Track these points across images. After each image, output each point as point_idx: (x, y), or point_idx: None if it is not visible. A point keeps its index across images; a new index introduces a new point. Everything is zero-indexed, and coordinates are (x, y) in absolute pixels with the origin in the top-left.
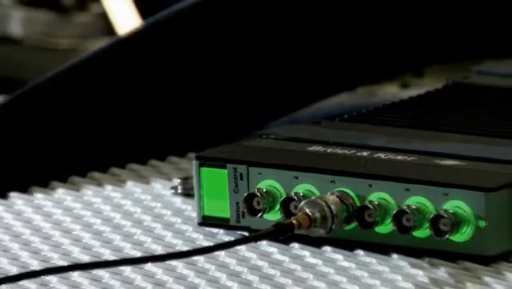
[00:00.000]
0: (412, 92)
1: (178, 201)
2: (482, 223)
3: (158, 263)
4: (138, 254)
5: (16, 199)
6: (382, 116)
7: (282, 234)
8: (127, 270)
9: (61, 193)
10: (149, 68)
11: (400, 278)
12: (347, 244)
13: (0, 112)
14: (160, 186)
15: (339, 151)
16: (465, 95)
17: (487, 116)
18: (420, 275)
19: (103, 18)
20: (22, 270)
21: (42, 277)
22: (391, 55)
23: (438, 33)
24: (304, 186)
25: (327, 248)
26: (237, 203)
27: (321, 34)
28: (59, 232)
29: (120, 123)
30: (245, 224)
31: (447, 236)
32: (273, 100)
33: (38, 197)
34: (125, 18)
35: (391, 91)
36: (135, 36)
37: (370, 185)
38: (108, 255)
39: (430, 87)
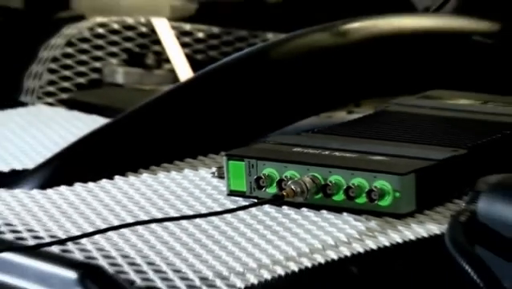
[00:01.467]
0: (355, 116)
1: (215, 181)
2: (397, 194)
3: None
4: (190, 211)
5: (118, 180)
6: (337, 129)
7: (277, 201)
8: (182, 222)
9: (145, 176)
10: (198, 100)
11: (347, 226)
12: (316, 207)
13: (114, 125)
14: (204, 172)
15: (311, 151)
16: (386, 118)
17: (401, 130)
18: (360, 225)
19: (173, 72)
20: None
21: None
22: (343, 95)
23: (371, 81)
24: (290, 172)
25: (304, 209)
26: (250, 182)
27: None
28: (144, 199)
29: (183, 134)
30: (255, 195)
31: (376, 202)
32: (270, 122)
33: (132, 178)
34: (184, 73)
35: (341, 115)
36: (189, 82)
37: (330, 172)
38: (173, 213)
39: (365, 113)
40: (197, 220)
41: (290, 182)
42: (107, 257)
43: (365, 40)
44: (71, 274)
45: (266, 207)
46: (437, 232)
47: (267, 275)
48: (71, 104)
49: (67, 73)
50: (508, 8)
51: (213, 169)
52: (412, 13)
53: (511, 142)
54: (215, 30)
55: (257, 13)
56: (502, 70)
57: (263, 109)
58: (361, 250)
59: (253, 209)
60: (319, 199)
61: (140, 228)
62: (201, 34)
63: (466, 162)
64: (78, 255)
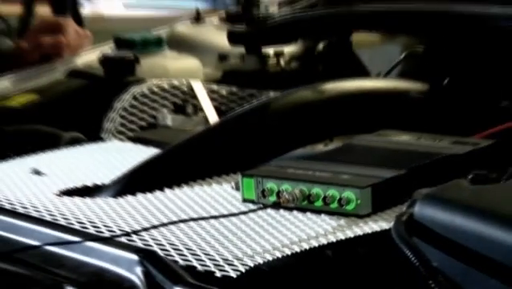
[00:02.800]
0: (330, 147)
1: (234, 192)
2: (359, 201)
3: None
4: (216, 213)
5: (167, 191)
6: (317, 156)
7: (276, 206)
8: (211, 220)
9: (185, 188)
10: (223, 136)
11: (324, 223)
12: (303, 210)
13: (165, 153)
14: (226, 186)
15: (299, 171)
16: (351, 148)
17: (361, 156)
18: (333, 223)
19: (205, 118)
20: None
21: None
22: (321, 133)
23: (340, 124)
24: (285, 186)
25: (295, 212)
26: (258, 193)
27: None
28: (184, 204)
29: (212, 160)
30: (261, 202)
31: (344, 207)
32: (272, 152)
33: (177, 190)
34: (213, 118)
35: (320, 147)
36: (216, 125)
37: (312, 186)
38: (204, 214)
39: (337, 145)
40: (221, 219)
41: (285, 193)
42: (159, 244)
43: (337, 96)
44: (134, 257)
45: (269, 210)
46: (386, 227)
47: (269, 257)
48: (136, 140)
49: (132, 118)
50: (436, 73)
51: (233, 184)
52: (368, 77)
53: (438, 165)
54: (233, 89)
55: (262, 78)
56: (430, 115)
57: (267, 143)
58: (334, 239)
59: (259, 212)
60: (305, 205)
61: (181, 224)
62: (224, 92)
63: (406, 179)
64: (139, 243)
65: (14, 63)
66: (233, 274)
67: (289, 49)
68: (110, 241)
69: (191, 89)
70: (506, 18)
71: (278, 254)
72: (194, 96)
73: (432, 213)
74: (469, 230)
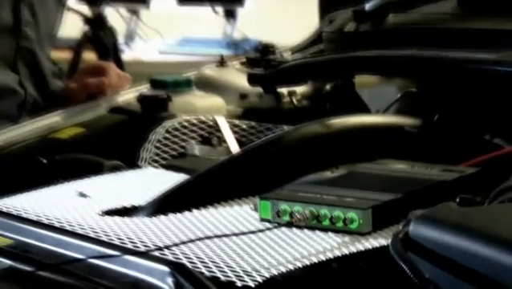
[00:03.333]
0: (336, 174)
1: (253, 212)
2: (361, 221)
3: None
4: (237, 231)
5: (195, 212)
6: (325, 182)
7: (289, 225)
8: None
9: (211, 209)
10: (243, 164)
11: (331, 240)
12: (312, 229)
13: (194, 179)
14: (246, 207)
15: (309, 194)
16: (354, 175)
17: (363, 182)
18: (338, 240)
19: (228, 149)
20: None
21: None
22: (328, 162)
23: (344, 154)
24: (297, 207)
25: (305, 230)
26: (273, 213)
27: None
28: (210, 223)
29: (234, 185)
30: (276, 221)
31: (348, 225)
32: (286, 178)
33: (203, 210)
34: (235, 149)
35: (328, 174)
36: (238, 155)
37: (320, 207)
38: (227, 231)
39: (342, 172)
40: (242, 235)
41: (296, 214)
42: (187, 258)
43: (341, 130)
44: (166, 269)
45: (283, 229)
46: (385, 244)
47: (283, 269)
48: (168, 167)
49: (165, 149)
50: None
51: (251, 205)
52: (369, 113)
53: (430, 190)
54: (252, 123)
55: (277, 114)
56: (423, 147)
57: (282, 170)
58: (339, 254)
59: (275, 230)
60: (314, 224)
61: (207, 240)
62: (244, 126)
63: (402, 202)
64: (170, 257)
65: (64, 100)
66: (251, 284)
67: (300, 89)
68: (145, 255)
69: (216, 124)
70: (489, 63)
71: (291, 267)
72: (218, 130)
73: (424, 231)
74: (457, 247)
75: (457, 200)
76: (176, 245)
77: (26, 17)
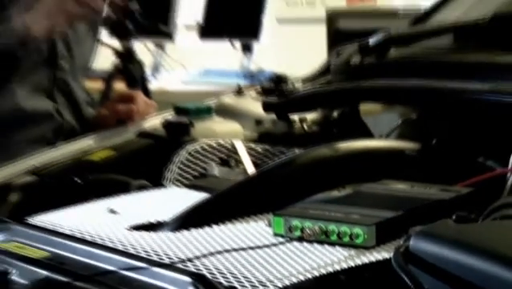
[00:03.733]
0: (343, 193)
1: (267, 228)
2: (366, 236)
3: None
4: (253, 245)
5: (215, 227)
6: (332, 200)
7: (300, 240)
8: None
9: (229, 225)
10: (258, 185)
11: (338, 254)
12: (321, 243)
13: (214, 197)
14: (261, 223)
15: (318, 212)
16: (359, 194)
17: (367, 200)
18: (345, 253)
19: (245, 170)
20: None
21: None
22: (336, 182)
23: (350, 175)
24: (307, 223)
25: (315, 244)
26: (286, 229)
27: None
28: (228, 237)
29: (250, 203)
30: (288, 236)
31: (354, 240)
32: (297, 196)
33: (221, 226)
34: (251, 170)
35: (335, 193)
36: (254, 176)
37: (328, 223)
38: (244, 245)
39: (348, 192)
40: (257, 249)
41: (307, 229)
42: (207, 269)
43: (348, 153)
44: (188, 280)
45: (295, 243)
46: (388, 257)
47: (294, 280)
48: (190, 187)
49: (187, 170)
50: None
51: (266, 221)
52: (372, 138)
53: (428, 208)
54: (267, 147)
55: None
56: (422, 169)
57: (293, 189)
58: (346, 266)
59: (287, 244)
60: (323, 238)
61: (225, 253)
62: (259, 149)
63: (403, 219)
64: (192, 269)
65: (96, 126)
66: None
67: (310, 116)
68: (169, 266)
69: (234, 147)
70: (482, 93)
71: (302, 278)
72: (236, 153)
73: (424, 246)
74: (454, 260)
75: (454, 217)
76: (197, 258)
77: (62, 51)
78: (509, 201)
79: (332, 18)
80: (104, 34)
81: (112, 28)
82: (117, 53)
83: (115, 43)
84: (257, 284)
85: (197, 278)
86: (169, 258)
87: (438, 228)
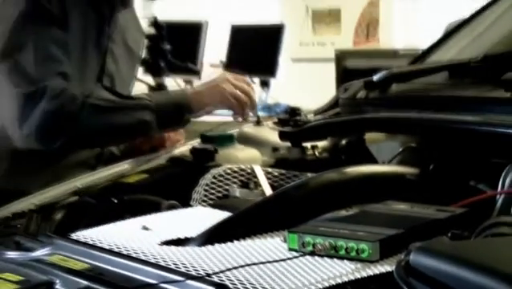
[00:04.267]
0: (350, 212)
1: (283, 243)
2: (371, 251)
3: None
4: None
5: (236, 242)
6: (340, 219)
7: (312, 254)
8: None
9: (248, 240)
10: (275, 205)
11: (346, 267)
12: (331, 257)
13: (236, 216)
14: (278, 238)
15: (328, 229)
16: (365, 213)
17: (372, 219)
18: (353, 266)
19: (262, 192)
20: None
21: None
22: (343, 202)
23: (357, 196)
24: (318, 240)
25: (325, 258)
26: (299, 244)
27: None
28: (247, 251)
29: (268, 221)
30: (301, 250)
31: (360, 254)
32: (309, 216)
33: (242, 242)
34: (268, 192)
35: (343, 212)
36: (270, 197)
37: (337, 240)
38: (262, 259)
39: (354, 211)
40: (274, 262)
41: (318, 245)
42: (230, 281)
43: (355, 177)
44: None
45: (307, 256)
46: (390, 270)
47: None
48: (214, 206)
49: (212, 191)
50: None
51: (282, 237)
52: (376, 164)
53: (426, 226)
54: (282, 171)
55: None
56: (420, 191)
57: (306, 209)
58: (353, 278)
59: (300, 258)
60: (332, 253)
61: (246, 266)
62: (276, 173)
63: (404, 236)
64: (216, 280)
65: (132, 152)
66: None
67: (321, 143)
68: (197, 278)
69: (253, 171)
70: (473, 124)
71: (314, 288)
72: (255, 176)
73: (423, 260)
74: (449, 273)
75: (449, 235)
76: (222, 271)
77: (106, 85)
78: (499, 221)
79: (340, 58)
80: (140, 72)
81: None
82: (151, 88)
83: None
84: None
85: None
86: (196, 271)
87: (435, 244)
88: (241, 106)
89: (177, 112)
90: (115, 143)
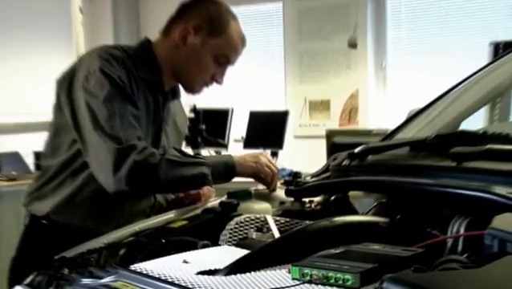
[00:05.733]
0: (338, 251)
1: (287, 274)
2: (353, 281)
3: None
4: (278, 286)
5: (253, 273)
6: (331, 256)
7: (310, 282)
8: None
9: (262, 271)
10: (283, 246)
11: None
12: (324, 284)
13: (254, 253)
14: (284, 270)
15: (323, 263)
16: (350, 252)
17: (354, 256)
18: None
19: (272, 235)
20: None
21: None
22: (333, 243)
23: (341, 238)
24: (314, 272)
25: (319, 286)
26: (300, 275)
27: None
28: (258, 282)
29: (277, 257)
30: (302, 280)
31: (346, 283)
32: (309, 252)
33: (257, 272)
34: (277, 235)
35: (331, 251)
36: (281, 238)
37: (328, 272)
38: (272, 286)
39: (342, 250)
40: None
41: (314, 275)
42: None
43: (341, 224)
44: None
45: (306, 284)
46: None
47: None
48: (237, 245)
49: (236, 234)
50: (393, 213)
51: (287, 269)
52: (357, 215)
53: (395, 261)
54: (287, 219)
55: (302, 214)
56: (390, 235)
57: (305, 248)
58: None
59: (301, 285)
60: (325, 282)
61: None
62: (282, 221)
63: (378, 268)
64: None
65: (176, 204)
66: None
67: (316, 198)
68: None
69: (266, 219)
70: (429, 185)
71: None
72: (267, 223)
73: (393, 288)
74: None
75: (412, 268)
76: None
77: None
78: (449, 258)
79: (330, 136)
80: (183, 145)
81: (188, 141)
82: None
83: (190, 151)
84: None
85: None
86: None
87: (403, 275)
88: (272, 177)
89: (226, 170)
90: (181, 190)
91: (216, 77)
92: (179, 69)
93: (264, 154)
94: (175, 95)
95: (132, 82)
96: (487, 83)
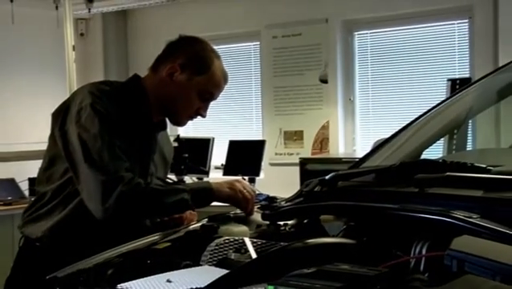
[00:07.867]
0: (311, 270)
1: None
2: None
3: None
4: None
5: None
6: (315, 275)
7: None
8: None
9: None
10: (264, 266)
11: None
12: None
13: (240, 270)
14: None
15: (297, 282)
16: (321, 271)
17: (326, 275)
18: None
19: (250, 256)
20: None
21: None
22: (319, 262)
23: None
24: None
25: None
26: None
27: None
28: None
29: (264, 274)
30: None
31: None
32: (289, 270)
33: None
34: (254, 255)
35: (305, 270)
36: (257, 259)
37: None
38: None
39: (314, 270)
40: None
41: None
42: None
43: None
44: None
45: None
46: None
47: None
48: (217, 265)
49: (216, 255)
50: (360, 236)
51: (263, 288)
52: (328, 236)
53: (362, 280)
54: (264, 241)
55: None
56: (358, 256)
57: (280, 268)
58: None
59: None
60: None
61: None
62: (259, 243)
63: (347, 287)
64: None
65: (161, 226)
66: None
67: (290, 222)
68: None
69: (243, 241)
70: (394, 209)
71: None
72: (245, 244)
73: None
74: None
75: (378, 287)
76: None
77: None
78: (413, 277)
79: (303, 163)
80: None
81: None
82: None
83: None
84: None
85: None
86: None
87: None
88: (247, 201)
89: (205, 195)
90: (165, 215)
91: (200, 111)
92: (166, 104)
93: (240, 180)
94: (163, 126)
95: (122, 115)
96: (446, 116)
